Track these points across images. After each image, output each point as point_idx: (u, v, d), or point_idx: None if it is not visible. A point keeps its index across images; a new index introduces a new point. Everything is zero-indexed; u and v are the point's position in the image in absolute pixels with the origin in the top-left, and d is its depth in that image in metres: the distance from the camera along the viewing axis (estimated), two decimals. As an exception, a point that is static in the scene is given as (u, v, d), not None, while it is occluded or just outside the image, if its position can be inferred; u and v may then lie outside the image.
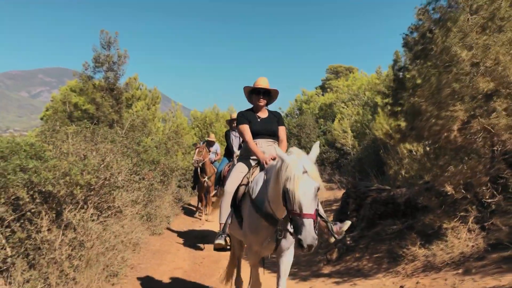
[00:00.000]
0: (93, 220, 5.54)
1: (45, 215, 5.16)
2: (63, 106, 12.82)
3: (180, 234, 9.70)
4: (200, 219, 11.98)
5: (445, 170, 5.00)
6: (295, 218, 2.97)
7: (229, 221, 4.19)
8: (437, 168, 5.27)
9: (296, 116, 21.84)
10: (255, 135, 4.44)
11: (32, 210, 5.10)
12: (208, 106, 26.59)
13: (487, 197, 5.04)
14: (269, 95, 4.61)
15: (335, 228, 3.83)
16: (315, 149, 3.31)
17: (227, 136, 8.72)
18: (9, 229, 5.00)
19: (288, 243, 3.90)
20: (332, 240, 3.86)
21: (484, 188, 5.05)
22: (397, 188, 7.46)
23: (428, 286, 4.74)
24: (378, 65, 18.72)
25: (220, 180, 8.68)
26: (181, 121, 18.19)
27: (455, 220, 5.17)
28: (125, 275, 5.87)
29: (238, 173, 4.38)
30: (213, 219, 11.61)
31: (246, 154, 4.52)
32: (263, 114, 4.61)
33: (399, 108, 5.55)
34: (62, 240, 5.20)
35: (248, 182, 4.10)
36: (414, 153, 7.95)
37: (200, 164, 11.41)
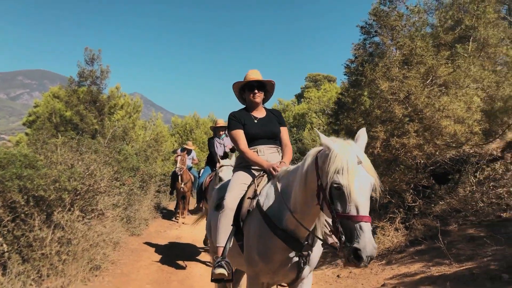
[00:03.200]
0: (79, 221, 6.40)
1: (37, 216, 5.94)
2: (47, 114, 13.57)
3: (157, 235, 10.57)
4: (177, 222, 12.88)
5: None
6: (347, 222, 2.35)
7: (230, 244, 3.39)
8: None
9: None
10: (253, 140, 3.75)
11: (26, 212, 5.89)
12: (189, 112, 27.51)
13: (410, 201, 6.11)
14: (264, 89, 3.90)
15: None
16: (363, 136, 2.64)
17: (210, 143, 8.20)
18: (6, 228, 5.84)
19: (310, 269, 3.26)
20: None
21: (407, 194, 6.11)
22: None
23: (358, 274, 5.79)
24: (341, 80, 19.87)
25: (202, 193, 8.08)
26: (161, 129, 19.02)
27: (385, 220, 6.23)
28: (106, 269, 6.76)
29: (239, 185, 3.60)
30: (189, 222, 12.56)
31: (245, 163, 3.76)
32: (260, 113, 3.90)
33: (340, 126, 6.61)
34: (51, 238, 6.04)
35: (255, 195, 3.37)
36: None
37: (181, 172, 12.38)
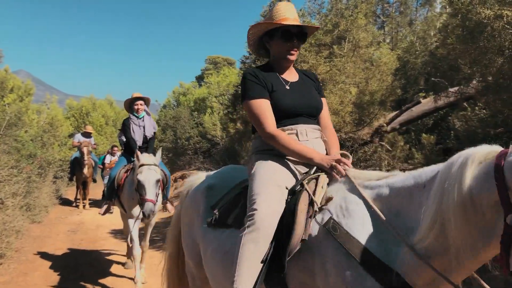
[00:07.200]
0: (-21, 211, 6.44)
1: None
2: None
3: (58, 221, 10.60)
4: (78, 208, 12.88)
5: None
6: None
7: None
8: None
9: (173, 108, 23.17)
10: (286, 117, 2.30)
11: None
12: (84, 93, 26.60)
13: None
14: (305, 39, 2.43)
15: None
16: None
17: (125, 125, 6.21)
18: None
19: None
20: None
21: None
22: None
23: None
24: (240, 66, 20.75)
25: (114, 190, 6.06)
26: (56, 113, 18.35)
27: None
28: (11, 256, 6.87)
29: (277, 187, 2.13)
30: (90, 208, 12.61)
31: (277, 150, 2.27)
32: (292, 76, 2.46)
33: (237, 116, 7.36)
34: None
35: (314, 210, 1.95)
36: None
37: (89, 161, 12.38)
